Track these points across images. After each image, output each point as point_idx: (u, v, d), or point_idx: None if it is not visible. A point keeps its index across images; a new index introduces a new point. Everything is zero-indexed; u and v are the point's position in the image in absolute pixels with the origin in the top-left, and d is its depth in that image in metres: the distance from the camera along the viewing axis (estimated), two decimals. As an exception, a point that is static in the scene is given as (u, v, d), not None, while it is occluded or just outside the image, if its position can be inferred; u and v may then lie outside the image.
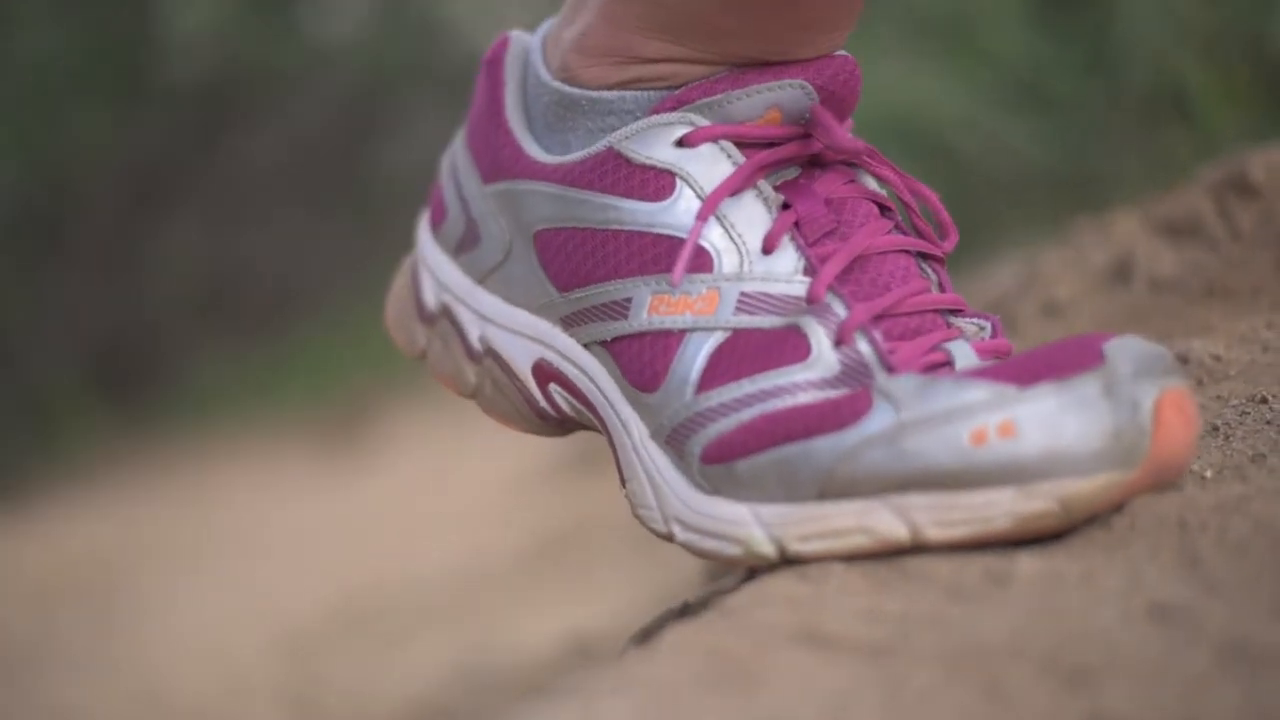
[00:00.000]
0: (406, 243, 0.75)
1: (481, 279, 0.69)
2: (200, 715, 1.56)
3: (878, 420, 0.58)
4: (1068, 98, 1.51)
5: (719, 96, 0.63)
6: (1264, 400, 0.69)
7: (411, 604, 1.68)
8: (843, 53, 0.64)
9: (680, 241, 0.63)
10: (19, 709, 1.71)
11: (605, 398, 0.65)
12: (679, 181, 0.63)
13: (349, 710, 1.45)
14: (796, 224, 0.63)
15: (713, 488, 0.61)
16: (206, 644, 1.75)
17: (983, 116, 1.54)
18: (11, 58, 3.45)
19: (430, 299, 0.71)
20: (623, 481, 0.64)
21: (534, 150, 0.67)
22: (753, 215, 0.63)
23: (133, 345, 3.53)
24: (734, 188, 0.63)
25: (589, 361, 0.66)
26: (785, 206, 0.63)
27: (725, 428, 0.61)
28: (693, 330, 0.62)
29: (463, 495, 2.08)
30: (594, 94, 0.65)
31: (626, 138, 0.64)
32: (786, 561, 0.59)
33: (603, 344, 0.65)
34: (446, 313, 0.70)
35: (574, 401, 0.67)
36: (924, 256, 0.64)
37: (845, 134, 0.63)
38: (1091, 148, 1.49)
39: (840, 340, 0.61)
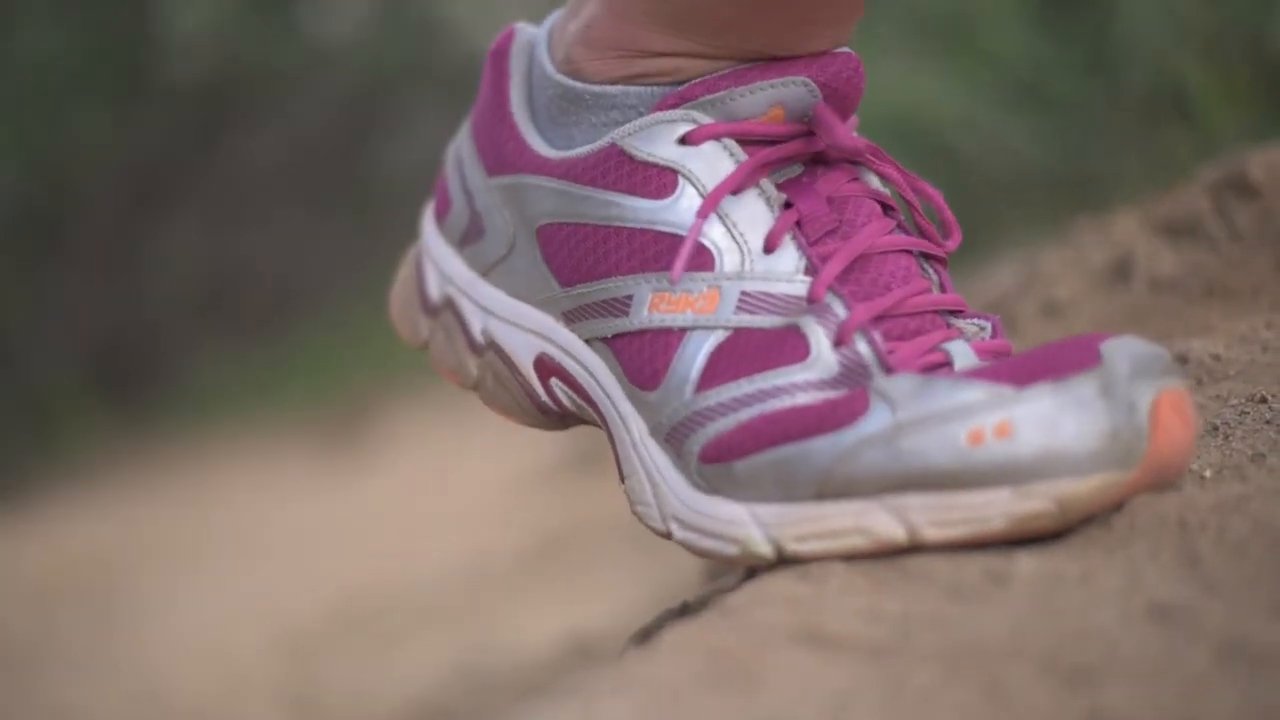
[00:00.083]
0: (406, 243, 0.75)
1: (485, 272, 0.69)
2: (200, 715, 1.56)
3: (875, 421, 0.58)
4: (1068, 98, 1.51)
5: (722, 93, 0.63)
6: (1263, 400, 0.69)
7: (411, 604, 1.67)
8: (846, 49, 0.64)
9: (681, 239, 0.63)
10: (19, 709, 1.71)
11: (605, 394, 0.65)
12: (681, 179, 0.63)
13: (349, 710, 1.45)
14: (798, 223, 0.63)
15: (711, 487, 0.61)
16: (206, 644, 1.75)
17: (983, 116, 1.54)
18: (11, 58, 3.45)
19: (434, 290, 0.71)
20: (621, 477, 0.64)
21: (538, 144, 0.67)
22: (754, 214, 0.63)
23: (133, 345, 3.53)
24: (736, 186, 0.63)
25: (590, 357, 0.66)
26: (787, 205, 0.63)
27: (724, 427, 0.61)
28: (693, 329, 0.62)
29: (463, 495, 2.08)
30: (597, 88, 0.65)
31: (629, 134, 0.64)
32: (784, 562, 0.59)
33: (604, 340, 0.65)
34: (450, 304, 0.71)
35: (575, 396, 0.67)
36: (926, 256, 0.64)
37: (848, 132, 0.63)
38: (1091, 148, 1.49)
39: (840, 341, 0.60)
